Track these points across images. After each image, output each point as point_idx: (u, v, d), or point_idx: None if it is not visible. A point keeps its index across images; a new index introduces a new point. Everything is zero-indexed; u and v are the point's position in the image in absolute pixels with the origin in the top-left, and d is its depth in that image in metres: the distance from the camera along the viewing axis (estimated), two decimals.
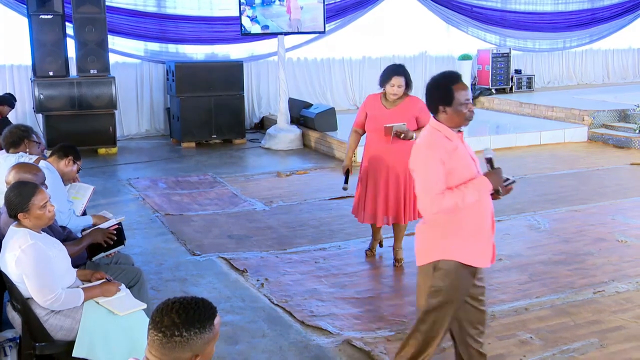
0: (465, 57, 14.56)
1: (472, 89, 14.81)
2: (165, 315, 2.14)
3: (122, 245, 4.60)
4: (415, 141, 4.84)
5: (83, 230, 4.67)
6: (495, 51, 15.15)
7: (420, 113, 5.51)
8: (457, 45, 15.09)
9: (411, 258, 5.70)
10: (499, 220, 6.87)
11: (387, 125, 5.46)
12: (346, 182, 5.71)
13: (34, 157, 5.04)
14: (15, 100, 9.67)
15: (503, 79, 15.17)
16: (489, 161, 3.44)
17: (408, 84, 5.56)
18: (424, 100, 3.63)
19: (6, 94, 9.87)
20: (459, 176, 3.33)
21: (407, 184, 5.53)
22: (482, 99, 14.87)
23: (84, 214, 5.22)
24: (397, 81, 5.48)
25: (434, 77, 3.51)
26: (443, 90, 3.41)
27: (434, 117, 3.48)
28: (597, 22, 16.49)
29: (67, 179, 4.94)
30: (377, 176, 5.59)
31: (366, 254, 6.08)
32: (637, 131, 11.22)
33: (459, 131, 3.45)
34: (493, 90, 15.05)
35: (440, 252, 3.40)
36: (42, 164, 4.75)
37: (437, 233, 3.43)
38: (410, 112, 5.54)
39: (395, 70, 5.54)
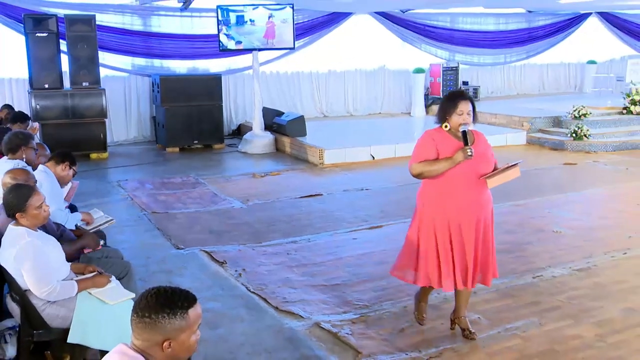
0: (419, 71, 14.75)
1: (425, 99, 14.95)
2: (143, 299, 2.12)
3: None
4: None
5: (77, 226, 4.68)
6: (445, 65, 15.30)
7: (491, 149, 4.11)
8: (411, 60, 15.20)
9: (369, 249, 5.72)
10: None
11: (506, 170, 3.91)
12: (466, 144, 3.84)
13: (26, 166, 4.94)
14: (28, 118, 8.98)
15: (452, 89, 15.30)
16: None
17: (475, 113, 3.97)
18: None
19: (5, 105, 9.62)
20: None
21: (493, 237, 4.12)
22: (433, 107, 14.99)
23: (71, 207, 5.15)
24: (466, 107, 3.88)
25: None
26: None
27: None
28: (533, 40, 16.73)
29: (63, 182, 4.93)
30: (464, 230, 3.94)
31: (420, 323, 4.38)
32: (569, 135, 11.40)
33: None
34: None
35: None
36: (41, 167, 4.81)
37: None
38: (489, 149, 4.05)
39: (461, 94, 3.99)
